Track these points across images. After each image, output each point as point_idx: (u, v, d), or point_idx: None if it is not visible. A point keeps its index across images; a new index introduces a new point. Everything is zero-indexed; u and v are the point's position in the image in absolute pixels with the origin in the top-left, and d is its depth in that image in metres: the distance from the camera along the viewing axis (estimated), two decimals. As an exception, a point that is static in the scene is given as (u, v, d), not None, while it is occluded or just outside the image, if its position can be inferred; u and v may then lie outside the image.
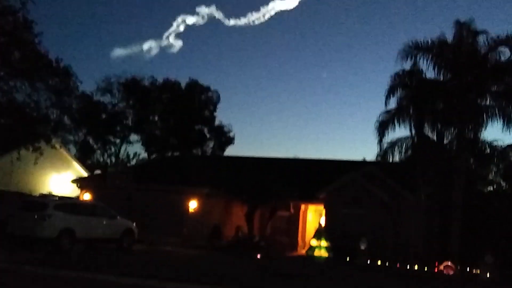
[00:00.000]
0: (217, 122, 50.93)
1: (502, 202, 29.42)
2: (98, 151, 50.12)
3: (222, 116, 79.98)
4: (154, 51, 78.46)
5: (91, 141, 49.40)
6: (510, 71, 23.65)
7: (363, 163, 32.06)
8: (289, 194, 28.51)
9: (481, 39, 24.31)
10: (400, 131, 25.69)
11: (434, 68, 24.66)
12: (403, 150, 26.01)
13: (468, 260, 22.72)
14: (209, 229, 27.78)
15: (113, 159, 49.68)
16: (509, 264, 23.38)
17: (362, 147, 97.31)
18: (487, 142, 25.61)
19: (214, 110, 50.60)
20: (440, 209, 25.77)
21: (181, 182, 29.48)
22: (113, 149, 49.79)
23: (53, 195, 23.54)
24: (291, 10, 64.42)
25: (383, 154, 25.91)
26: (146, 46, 69.31)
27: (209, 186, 28.66)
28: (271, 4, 59.75)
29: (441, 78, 24.86)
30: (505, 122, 23.54)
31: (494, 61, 24.13)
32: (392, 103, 25.61)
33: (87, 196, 30.38)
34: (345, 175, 27.76)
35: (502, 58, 23.94)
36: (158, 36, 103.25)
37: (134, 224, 23.20)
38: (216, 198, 28.96)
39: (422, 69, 25.16)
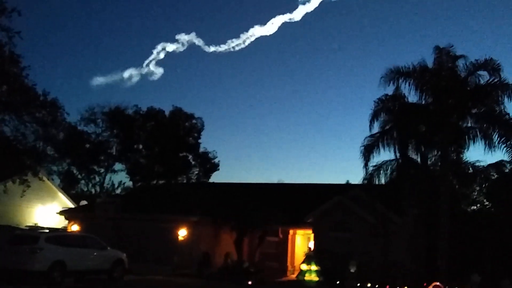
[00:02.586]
0: (201, 149, 51.18)
1: (486, 220, 29.96)
2: (83, 181, 50.09)
3: (206, 142, 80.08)
4: (135, 79, 78.74)
5: (75, 171, 49.33)
6: (490, 94, 24.33)
7: (349, 186, 32.41)
8: (277, 220, 28.70)
9: (461, 63, 25.05)
10: (385, 154, 26.18)
11: (416, 92, 25.31)
12: (388, 172, 26.49)
13: (456, 279, 23.03)
14: (198, 257, 27.79)
15: (98, 189, 49.59)
16: (495, 282, 23.80)
17: (347, 171, 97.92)
18: (470, 163, 26.24)
19: (199, 137, 50.87)
20: (427, 229, 26.15)
21: (169, 211, 29.48)
22: (97, 179, 49.80)
23: (40, 227, 23.42)
24: (271, 36, 65.16)
25: (369, 177, 26.31)
26: (126, 74, 69.40)
27: (198, 214, 28.74)
28: (251, 30, 60.35)
29: (423, 102, 25.48)
30: (487, 143, 24.09)
31: (474, 85, 24.82)
32: (376, 127, 26.13)
33: (75, 227, 30.25)
34: (332, 198, 28.06)
35: (482, 82, 24.67)
36: (138, 64, 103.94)
37: (125, 255, 23.18)
38: (205, 226, 29.00)
39: (404, 93, 25.74)
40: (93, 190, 49.50)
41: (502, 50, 74.20)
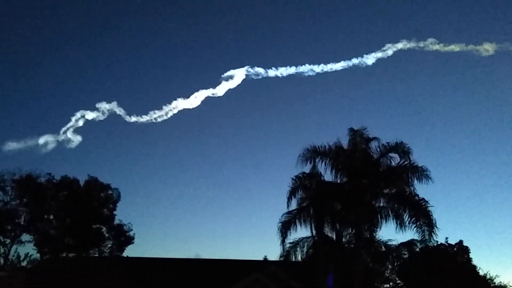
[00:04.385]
0: (116, 221, 49.49)
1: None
2: (-15, 253, 46.78)
3: (122, 214, 77.65)
4: (51, 146, 75.83)
5: (-23, 241, 46.12)
6: (400, 176, 25.52)
7: (266, 262, 32.28)
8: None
9: (374, 145, 26.35)
10: (302, 231, 26.45)
11: (331, 171, 26.15)
12: (305, 249, 26.71)
13: None
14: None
15: (2, 261, 46.42)
16: None
17: (265, 246, 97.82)
18: (383, 242, 26.95)
19: (114, 208, 49.32)
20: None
21: (77, 287, 27.98)
22: (2, 250, 46.69)
23: None
24: (193, 109, 65.88)
25: (286, 253, 26.41)
26: (42, 140, 66.94)
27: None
28: (174, 103, 60.53)
29: (339, 181, 26.29)
30: (398, 223, 25.02)
31: (385, 166, 26.04)
32: (294, 204, 26.53)
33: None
34: (249, 276, 27.72)
35: (393, 163, 25.94)
36: (55, 130, 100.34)
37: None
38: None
39: (320, 172, 26.52)
40: (-4, 263, 46.27)
41: (411, 134, 78.71)
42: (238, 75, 52.58)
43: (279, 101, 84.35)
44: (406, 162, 25.63)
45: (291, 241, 26.42)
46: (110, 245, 49.06)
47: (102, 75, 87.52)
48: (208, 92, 58.13)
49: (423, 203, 24.94)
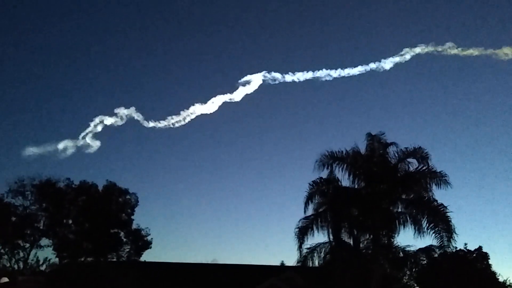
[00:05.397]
0: (134, 226, 49.63)
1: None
2: (5, 256, 47.28)
3: (139, 219, 78.11)
4: (70, 151, 76.54)
5: (-3, 245, 46.61)
6: (418, 181, 25.35)
7: (283, 268, 32.27)
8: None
9: (391, 150, 26.18)
10: (319, 237, 26.40)
11: (349, 177, 26.02)
12: (322, 255, 26.63)
13: None
14: None
15: (21, 265, 46.91)
16: None
17: (282, 251, 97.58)
18: (401, 247, 26.76)
19: (132, 213, 49.47)
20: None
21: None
22: (21, 254, 47.17)
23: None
24: (211, 114, 66.11)
25: (303, 259, 26.35)
26: (61, 145, 67.48)
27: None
28: (191, 108, 60.73)
29: (356, 186, 26.17)
30: (416, 229, 24.83)
31: (403, 171, 25.86)
32: (311, 210, 26.48)
33: (-8, 308, 28.32)
34: (266, 281, 27.78)
35: (411, 168, 25.75)
36: (74, 135, 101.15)
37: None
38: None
39: (338, 177, 26.42)
40: (16, 266, 46.70)
41: (430, 139, 77.92)
42: (255, 80, 52.56)
43: (296, 106, 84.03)
44: (424, 167, 25.45)
45: (308, 246, 26.42)
46: (128, 250, 49.12)
47: (120, 80, 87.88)
48: (225, 97, 58.17)
49: (442, 209, 24.73)
